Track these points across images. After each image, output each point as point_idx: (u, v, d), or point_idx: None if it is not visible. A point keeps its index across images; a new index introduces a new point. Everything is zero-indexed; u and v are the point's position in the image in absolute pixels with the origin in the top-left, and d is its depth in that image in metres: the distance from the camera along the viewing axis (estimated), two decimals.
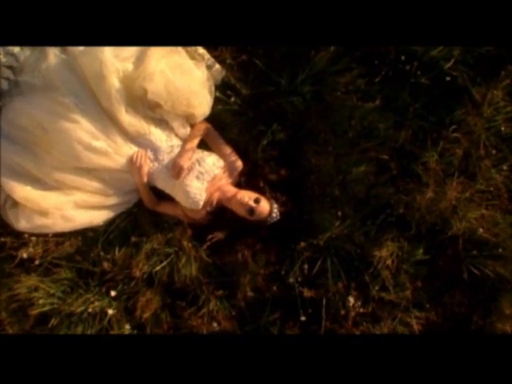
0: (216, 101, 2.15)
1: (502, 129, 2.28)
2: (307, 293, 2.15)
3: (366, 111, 2.21)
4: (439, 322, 2.33)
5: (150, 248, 2.20)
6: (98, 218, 2.18)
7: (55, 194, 2.10)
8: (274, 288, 2.22)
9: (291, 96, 2.19)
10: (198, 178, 2.11)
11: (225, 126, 2.21)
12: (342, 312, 2.17)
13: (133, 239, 2.20)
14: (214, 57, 2.17)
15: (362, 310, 2.19)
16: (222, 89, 2.20)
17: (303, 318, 2.14)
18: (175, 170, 2.08)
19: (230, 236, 2.17)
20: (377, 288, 2.22)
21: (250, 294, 2.20)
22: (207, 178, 2.12)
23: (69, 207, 2.11)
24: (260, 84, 2.22)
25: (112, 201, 2.16)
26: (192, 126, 2.19)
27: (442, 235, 2.28)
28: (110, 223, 2.21)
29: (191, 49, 2.12)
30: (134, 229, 2.24)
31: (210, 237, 2.14)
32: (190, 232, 2.20)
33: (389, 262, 2.19)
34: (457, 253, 2.29)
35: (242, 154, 2.21)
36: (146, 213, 2.24)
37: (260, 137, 2.21)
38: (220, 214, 2.19)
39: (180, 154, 2.10)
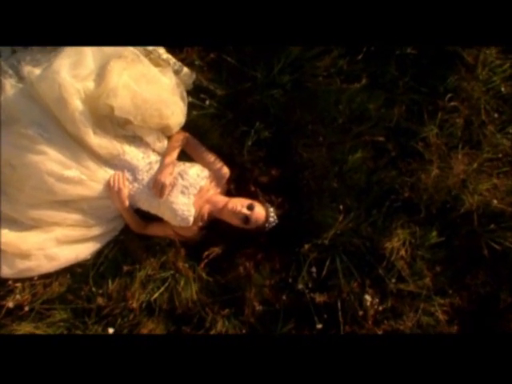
0: (190, 107, 2.02)
1: (502, 89, 2.14)
2: (320, 298, 2.01)
3: (352, 93, 2.07)
4: (465, 307, 2.18)
5: (145, 275, 2.06)
6: (84, 251, 2.04)
7: (34, 234, 1.96)
8: (284, 298, 2.08)
9: (270, 89, 2.06)
10: (183, 192, 1.97)
11: (204, 132, 2.08)
12: (360, 312, 2.02)
13: (125, 268, 2.05)
14: (181, 60, 2.03)
15: (381, 307, 2.04)
16: (195, 93, 2.06)
17: (319, 326, 1.98)
18: (157, 188, 1.95)
19: (228, 249, 2.04)
20: (393, 281, 2.08)
21: (258, 307, 2.06)
22: (193, 191, 1.98)
23: (51, 245, 1.97)
24: (235, 82, 2.08)
25: (95, 231, 2.02)
26: (169, 137, 2.06)
27: (454, 213, 2.13)
28: (97, 255, 2.07)
29: (154, 55, 1.98)
30: (124, 257, 2.10)
31: (206, 254, 2.00)
32: (184, 251, 2.06)
33: (402, 250, 2.05)
34: (473, 229, 2.14)
35: (227, 160, 2.08)
36: (134, 238, 2.11)
37: (243, 138, 2.07)
38: (213, 227, 2.06)
39: (160, 171, 1.97)
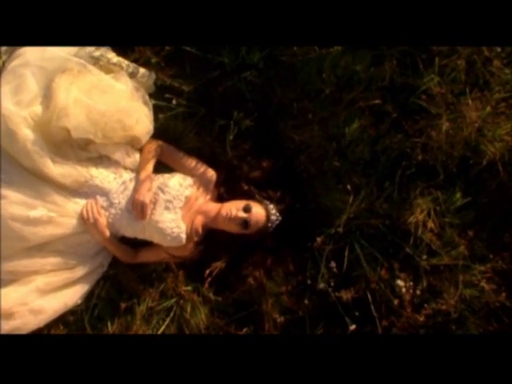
0: (156, 110, 1.82)
1: None
2: (346, 294, 1.78)
3: (335, 57, 1.85)
4: (509, 269, 1.93)
5: (146, 308, 1.85)
6: (72, 296, 1.83)
7: (13, 288, 1.77)
8: (306, 302, 1.87)
9: (242, 72, 1.86)
10: (167, 208, 1.77)
11: (178, 135, 1.88)
12: (396, 301, 1.80)
13: (122, 305, 1.85)
14: (134, 60, 1.82)
15: (417, 290, 1.81)
16: (159, 94, 1.85)
17: (353, 327, 1.75)
18: (137, 209, 1.74)
19: (232, 261, 1.85)
20: (424, 257, 1.85)
21: (279, 319, 1.85)
22: (178, 204, 1.78)
23: (33, 297, 1.77)
24: (200, 73, 1.88)
25: (80, 271, 1.81)
26: (140, 150, 1.85)
27: (476, 167, 1.91)
28: (89, 297, 1.87)
29: (103, 62, 1.76)
30: (119, 293, 1.90)
31: (208, 271, 1.80)
32: (183, 274, 1.86)
33: (429, 222, 1.83)
34: (500, 181, 1.92)
35: (210, 161, 1.89)
36: (126, 270, 1.90)
37: (223, 133, 1.88)
38: (211, 240, 1.87)
39: (136, 189, 1.76)
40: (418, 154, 1.85)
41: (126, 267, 1.90)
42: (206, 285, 1.81)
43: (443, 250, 1.87)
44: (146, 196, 1.72)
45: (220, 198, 1.88)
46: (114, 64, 1.76)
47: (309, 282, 1.87)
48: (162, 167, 1.86)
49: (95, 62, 1.75)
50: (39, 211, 1.68)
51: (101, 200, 1.76)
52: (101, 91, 1.69)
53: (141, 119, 1.75)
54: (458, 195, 1.90)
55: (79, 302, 1.85)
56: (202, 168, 1.85)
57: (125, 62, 1.78)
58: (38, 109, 1.67)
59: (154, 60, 1.84)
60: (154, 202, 1.75)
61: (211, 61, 1.86)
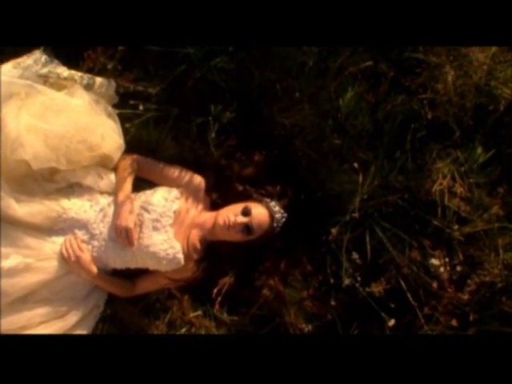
0: (124, 120, 1.63)
1: None
2: (377, 287, 1.57)
3: None
4: None
5: None
6: None
7: None
8: (333, 303, 1.67)
9: (211, 60, 1.66)
10: (156, 228, 1.57)
11: (153, 144, 1.69)
12: (434, 284, 1.58)
13: None
14: (88, 71, 1.62)
15: (455, 266, 1.60)
16: (123, 102, 1.66)
17: (392, 322, 1.54)
18: (121, 236, 1.53)
19: (241, 274, 1.66)
20: (456, 227, 1.65)
21: (307, 328, 1.65)
22: (167, 221, 1.58)
23: None
24: (165, 70, 1.69)
25: (73, 318, 1.61)
26: (114, 169, 1.66)
27: (493, 115, 1.70)
28: None
29: (53, 78, 1.56)
30: (123, 333, 1.69)
31: (216, 290, 1.61)
32: (188, 298, 1.67)
33: (455, 186, 1.63)
34: None
35: (195, 167, 1.70)
36: (125, 305, 1.71)
37: (204, 132, 1.69)
38: (213, 254, 1.68)
39: (117, 214, 1.55)
40: (426, 113, 1.64)
41: (124, 302, 1.71)
42: (217, 306, 1.63)
43: (475, 214, 1.66)
44: (128, 220, 1.51)
45: (214, 206, 1.69)
46: (66, 78, 1.55)
47: (332, 280, 1.68)
48: (143, 183, 1.67)
49: (44, 80, 1.55)
50: (13, 259, 1.48)
51: (80, 233, 1.57)
52: (55, 111, 1.49)
53: (107, 134, 1.55)
54: (480, 150, 1.69)
55: None
56: (187, 176, 1.66)
57: (77, 74, 1.57)
58: None
59: (110, 66, 1.63)
60: (140, 225, 1.55)
61: (175, 54, 1.66)
